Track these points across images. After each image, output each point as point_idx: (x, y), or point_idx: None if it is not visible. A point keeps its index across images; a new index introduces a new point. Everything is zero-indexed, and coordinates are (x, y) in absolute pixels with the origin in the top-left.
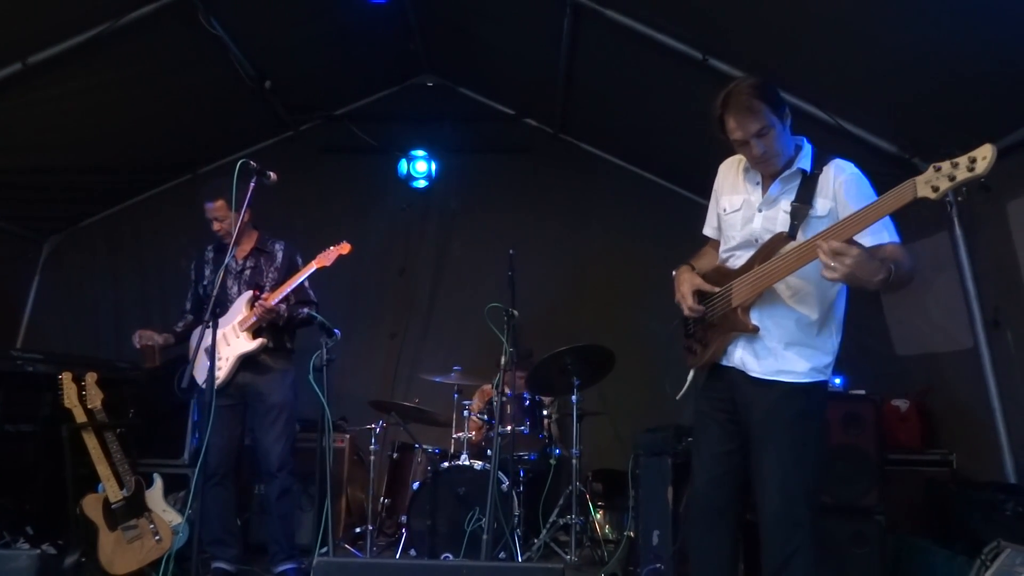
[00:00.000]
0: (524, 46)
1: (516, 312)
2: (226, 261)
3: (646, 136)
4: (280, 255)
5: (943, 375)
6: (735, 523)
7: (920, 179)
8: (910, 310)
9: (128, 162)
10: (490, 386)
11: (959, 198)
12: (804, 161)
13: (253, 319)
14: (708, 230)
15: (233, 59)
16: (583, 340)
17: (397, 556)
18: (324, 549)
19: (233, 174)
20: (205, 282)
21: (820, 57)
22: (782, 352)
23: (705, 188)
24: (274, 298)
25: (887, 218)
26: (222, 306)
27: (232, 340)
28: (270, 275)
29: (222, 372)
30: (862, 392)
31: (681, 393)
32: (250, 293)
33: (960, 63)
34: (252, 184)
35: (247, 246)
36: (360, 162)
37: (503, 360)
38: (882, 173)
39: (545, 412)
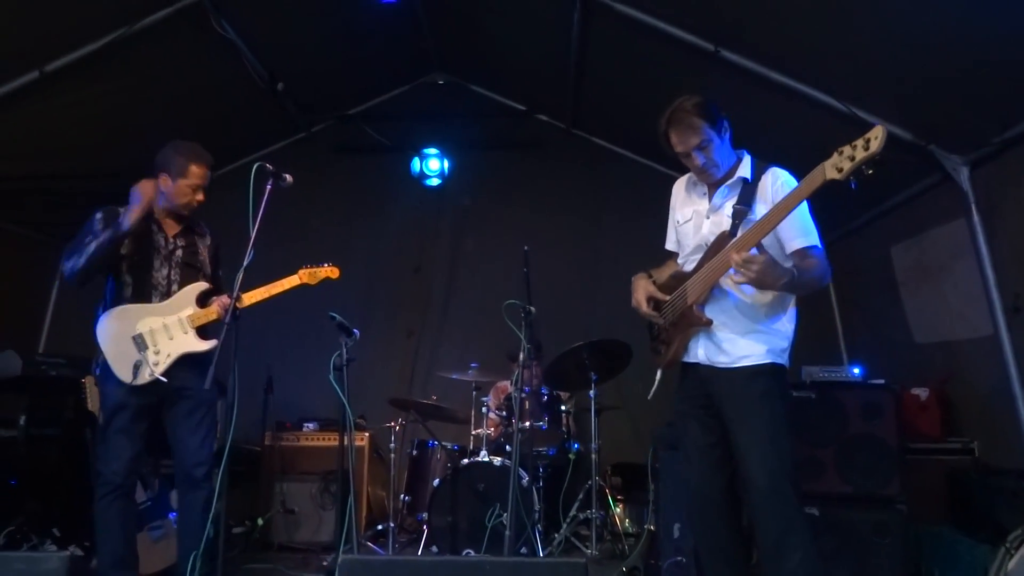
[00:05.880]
0: (534, 42)
1: (533, 309)
2: (248, 261)
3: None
4: (209, 239)
5: (963, 362)
6: (733, 512)
7: (828, 163)
8: (929, 298)
9: (144, 166)
10: (505, 384)
11: (869, 171)
12: (745, 170)
13: (212, 318)
14: (669, 244)
15: (245, 62)
16: (599, 334)
17: (419, 553)
18: (347, 547)
19: (249, 176)
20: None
21: (833, 45)
22: (740, 341)
23: None
24: (249, 302)
25: (810, 221)
26: (146, 291)
27: (177, 334)
28: (202, 259)
29: (159, 368)
30: (881, 381)
31: (651, 392)
32: (204, 285)
33: (975, 48)
34: (269, 187)
35: (176, 225)
36: (373, 161)
37: (521, 357)
38: (898, 161)
39: (563, 407)
